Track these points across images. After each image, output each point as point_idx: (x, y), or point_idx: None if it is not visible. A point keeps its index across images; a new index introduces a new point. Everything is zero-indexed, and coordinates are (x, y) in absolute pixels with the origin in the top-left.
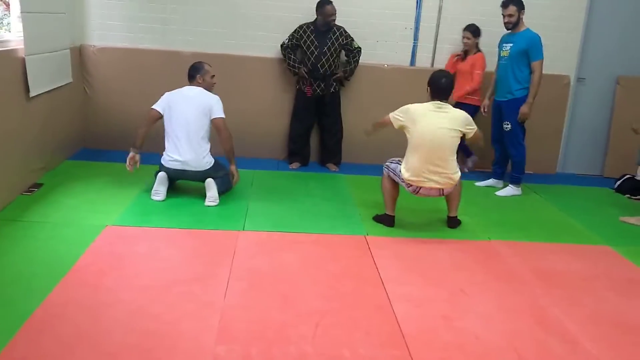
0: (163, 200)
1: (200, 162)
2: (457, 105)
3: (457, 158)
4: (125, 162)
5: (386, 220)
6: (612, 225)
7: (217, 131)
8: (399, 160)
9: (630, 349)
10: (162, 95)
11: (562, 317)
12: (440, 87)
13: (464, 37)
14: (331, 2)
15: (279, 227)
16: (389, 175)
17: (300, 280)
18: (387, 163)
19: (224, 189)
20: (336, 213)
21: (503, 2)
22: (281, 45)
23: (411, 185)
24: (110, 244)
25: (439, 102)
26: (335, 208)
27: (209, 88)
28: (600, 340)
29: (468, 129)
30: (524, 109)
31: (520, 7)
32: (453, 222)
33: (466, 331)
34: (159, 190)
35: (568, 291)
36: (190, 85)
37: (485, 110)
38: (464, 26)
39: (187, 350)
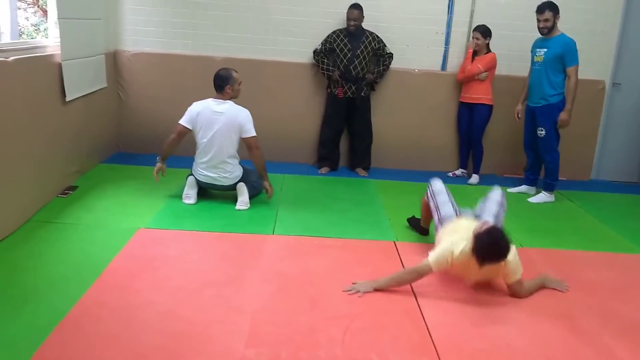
0: (194, 204)
1: (229, 179)
2: (469, 105)
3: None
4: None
5: (420, 229)
6: None
7: (249, 149)
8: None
9: None
10: (191, 103)
11: (596, 326)
12: (485, 260)
13: (473, 38)
14: (357, 7)
15: (307, 232)
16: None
17: (328, 285)
18: (432, 185)
19: (253, 194)
20: (365, 218)
21: (539, 7)
22: (314, 51)
23: None
24: (142, 246)
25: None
26: (365, 213)
27: (237, 96)
28: (636, 351)
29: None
30: (563, 116)
31: (556, 12)
32: None
33: (497, 338)
34: (190, 193)
35: (602, 300)
36: (218, 96)
37: (519, 115)
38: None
39: (216, 352)
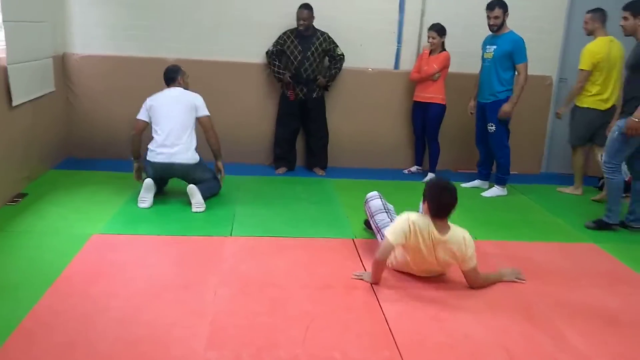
0: (149, 208)
1: (187, 155)
2: (423, 105)
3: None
4: (112, 170)
5: None
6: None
7: (204, 129)
8: (384, 211)
9: (616, 343)
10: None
11: (550, 313)
12: (440, 204)
13: (429, 37)
14: (307, 7)
15: (266, 232)
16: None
17: (289, 285)
18: (369, 204)
19: (210, 194)
20: (323, 217)
21: (489, 4)
22: (266, 52)
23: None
24: (97, 252)
25: (438, 220)
26: (323, 212)
27: (187, 89)
28: (588, 335)
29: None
30: (505, 107)
31: (505, 9)
32: None
33: (456, 330)
34: (145, 197)
35: (555, 288)
36: (169, 88)
37: (472, 111)
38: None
39: (178, 356)
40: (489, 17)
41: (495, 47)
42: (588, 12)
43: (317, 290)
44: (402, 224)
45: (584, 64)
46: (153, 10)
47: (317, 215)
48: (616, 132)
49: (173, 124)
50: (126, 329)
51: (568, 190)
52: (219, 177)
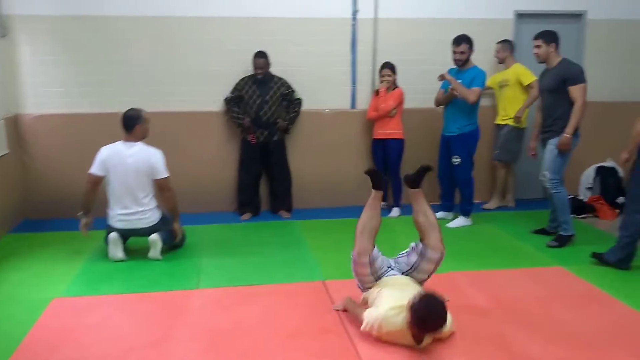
0: (122, 260)
1: (148, 219)
2: (383, 141)
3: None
4: (72, 230)
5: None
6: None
7: (160, 191)
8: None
9: None
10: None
11: (525, 341)
12: (425, 329)
13: (384, 75)
14: (262, 55)
15: (234, 282)
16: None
17: (261, 335)
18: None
19: (172, 240)
20: (292, 260)
21: (456, 39)
22: (225, 100)
23: None
24: (59, 317)
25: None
26: (291, 255)
27: (146, 135)
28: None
29: None
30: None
31: (471, 45)
32: None
33: None
34: (116, 250)
35: (527, 315)
36: (127, 137)
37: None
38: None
39: None
40: (455, 52)
41: (460, 81)
42: (498, 42)
43: (290, 338)
44: (376, 320)
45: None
46: (104, 65)
47: (285, 260)
48: (555, 151)
49: (131, 191)
50: None
51: (490, 205)
52: (175, 237)
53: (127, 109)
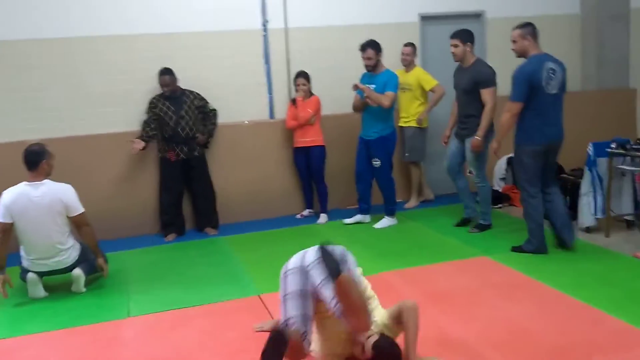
0: (44, 297)
1: (67, 261)
2: (305, 149)
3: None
4: None
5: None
6: (485, 236)
7: (78, 228)
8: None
9: (528, 351)
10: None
11: (462, 332)
12: None
13: (299, 84)
14: (167, 72)
15: (167, 306)
16: None
17: (201, 358)
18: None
19: (95, 271)
20: (224, 277)
21: (362, 46)
22: (143, 122)
23: None
24: None
25: None
26: (223, 273)
27: (51, 171)
28: (501, 348)
29: None
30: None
31: (378, 50)
32: None
33: None
34: (36, 290)
35: (460, 306)
36: (32, 176)
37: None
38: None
39: None
40: (363, 58)
41: (374, 86)
42: (405, 45)
43: (232, 358)
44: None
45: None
46: (5, 92)
47: (217, 277)
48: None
49: (46, 236)
50: None
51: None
52: (102, 273)
53: (29, 145)
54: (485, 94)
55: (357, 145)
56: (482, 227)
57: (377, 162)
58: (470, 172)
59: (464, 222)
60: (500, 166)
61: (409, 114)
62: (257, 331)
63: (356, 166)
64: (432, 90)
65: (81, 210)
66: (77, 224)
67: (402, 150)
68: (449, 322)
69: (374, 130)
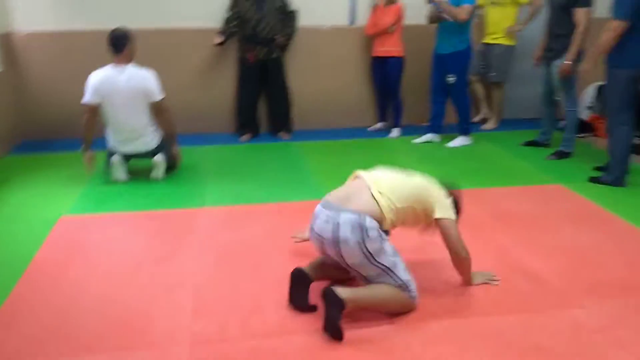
0: (126, 180)
1: (149, 144)
2: (382, 59)
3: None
4: (72, 151)
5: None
6: (563, 164)
7: (156, 114)
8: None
9: (590, 278)
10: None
11: (523, 254)
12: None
13: None
14: None
15: (238, 200)
16: None
17: (267, 250)
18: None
19: (170, 162)
20: (293, 180)
21: None
22: (226, 19)
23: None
24: (67, 234)
25: None
26: (292, 175)
27: (134, 56)
28: (562, 273)
29: None
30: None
31: None
32: None
33: (432, 278)
34: (120, 172)
35: (526, 230)
36: (117, 60)
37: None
38: None
39: (163, 330)
40: None
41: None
42: None
43: (296, 253)
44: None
45: None
46: None
47: (287, 179)
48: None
49: (129, 117)
50: (107, 310)
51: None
52: (175, 162)
53: (114, 29)
54: (580, 13)
55: (432, 61)
56: (561, 155)
57: (451, 79)
58: (557, 97)
59: (531, 143)
60: (588, 94)
61: (498, 30)
62: (297, 242)
63: (430, 83)
64: (529, 3)
65: (161, 96)
66: (157, 110)
67: (479, 69)
68: (511, 244)
69: (450, 44)
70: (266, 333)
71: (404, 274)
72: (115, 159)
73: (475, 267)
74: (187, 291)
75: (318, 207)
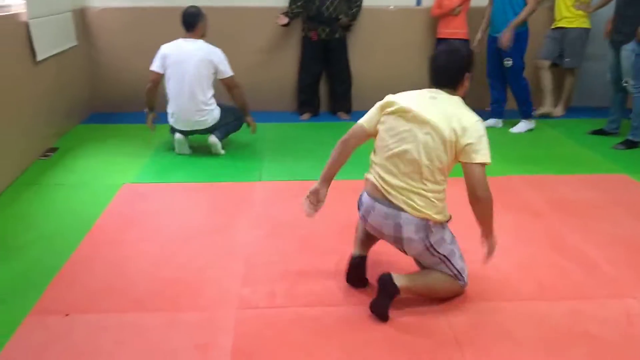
0: (189, 154)
1: (207, 121)
2: (445, 41)
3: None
4: (139, 123)
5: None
6: (631, 154)
7: (229, 90)
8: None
9: None
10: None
11: (580, 242)
12: (434, 68)
13: None
14: None
15: (294, 177)
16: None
17: (317, 225)
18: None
19: (227, 134)
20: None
21: None
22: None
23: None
24: (129, 201)
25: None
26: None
27: (205, 34)
28: (618, 262)
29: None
30: (505, 34)
31: None
32: None
33: (485, 264)
34: (182, 148)
35: (585, 218)
36: (188, 35)
37: (475, 44)
38: None
39: (212, 294)
40: None
41: None
42: None
43: (344, 229)
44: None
45: None
46: None
47: None
48: (633, 55)
49: (190, 95)
50: (161, 272)
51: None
52: (251, 129)
53: (187, 6)
54: None
55: (487, 44)
56: (630, 144)
57: (508, 62)
58: (626, 82)
59: (598, 132)
60: None
61: (573, 14)
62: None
63: (487, 66)
64: None
65: (231, 73)
66: (229, 86)
67: (551, 54)
68: (568, 231)
69: (505, 26)
70: (310, 302)
71: (459, 261)
72: (178, 136)
73: (528, 251)
74: (239, 259)
75: (367, 198)
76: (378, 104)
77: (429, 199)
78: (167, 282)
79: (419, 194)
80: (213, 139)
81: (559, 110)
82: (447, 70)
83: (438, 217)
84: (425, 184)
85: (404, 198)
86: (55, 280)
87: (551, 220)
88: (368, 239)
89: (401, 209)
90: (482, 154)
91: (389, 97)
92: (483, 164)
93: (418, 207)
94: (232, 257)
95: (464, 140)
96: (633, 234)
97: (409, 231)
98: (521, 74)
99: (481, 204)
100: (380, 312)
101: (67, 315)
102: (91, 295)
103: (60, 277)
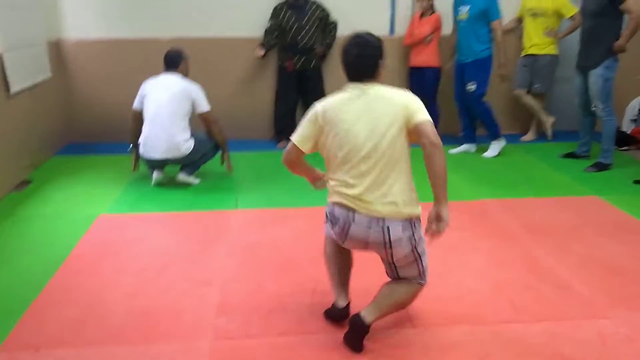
0: (159, 184)
1: (179, 150)
2: (417, 70)
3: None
4: (114, 154)
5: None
6: (602, 176)
7: (206, 125)
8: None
9: (620, 290)
10: (140, 88)
11: (554, 264)
12: (348, 61)
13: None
14: None
15: (270, 204)
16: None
17: (293, 252)
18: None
19: (200, 166)
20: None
21: None
22: (265, 31)
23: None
24: (104, 232)
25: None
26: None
27: (188, 74)
28: (592, 283)
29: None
30: (502, 71)
31: None
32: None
33: (460, 285)
34: (157, 177)
35: (558, 240)
36: (167, 73)
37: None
38: None
39: (187, 324)
40: None
41: (469, 6)
42: None
43: (320, 255)
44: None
45: None
46: None
47: None
48: (601, 80)
49: (164, 126)
50: (136, 302)
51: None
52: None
53: (169, 48)
54: (630, 2)
55: (454, 71)
56: (601, 167)
57: (472, 86)
58: (595, 106)
59: (569, 155)
60: (633, 106)
61: (542, 41)
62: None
63: (455, 90)
64: (572, 18)
65: (208, 108)
66: (207, 121)
67: (523, 82)
68: (542, 253)
69: (470, 52)
70: (286, 331)
71: (426, 259)
72: (156, 174)
73: (503, 274)
74: (214, 288)
75: (341, 211)
76: (307, 120)
77: (403, 183)
78: (142, 313)
79: (391, 185)
80: (182, 176)
81: (530, 135)
82: (363, 61)
83: (417, 210)
84: (389, 174)
85: (380, 201)
86: (28, 312)
87: (525, 243)
88: (344, 274)
89: (382, 215)
90: (423, 112)
91: (317, 109)
92: (428, 120)
93: (396, 202)
94: (206, 285)
95: (409, 112)
96: (605, 255)
97: (396, 231)
98: (481, 99)
99: (439, 151)
100: (354, 345)
101: (37, 350)
102: (64, 327)
103: (33, 309)
